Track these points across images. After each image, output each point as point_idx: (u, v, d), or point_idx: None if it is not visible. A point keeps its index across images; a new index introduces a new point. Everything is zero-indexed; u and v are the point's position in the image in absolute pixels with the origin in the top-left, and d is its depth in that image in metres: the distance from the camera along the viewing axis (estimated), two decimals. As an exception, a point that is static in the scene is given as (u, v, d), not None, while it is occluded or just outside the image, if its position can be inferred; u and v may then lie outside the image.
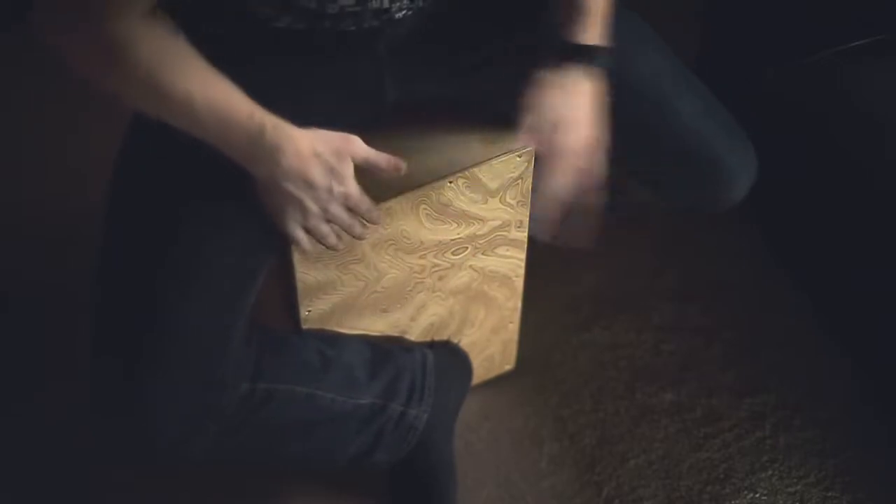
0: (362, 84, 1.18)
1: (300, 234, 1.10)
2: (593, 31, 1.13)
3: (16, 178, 1.84)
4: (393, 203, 1.22)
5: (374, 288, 1.31)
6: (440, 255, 1.32)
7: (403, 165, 1.12)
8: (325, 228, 1.10)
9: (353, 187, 1.09)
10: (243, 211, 1.11)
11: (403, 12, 1.08)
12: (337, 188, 1.07)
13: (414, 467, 1.39)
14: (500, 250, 1.37)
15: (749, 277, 1.74)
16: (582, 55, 1.13)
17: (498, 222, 1.33)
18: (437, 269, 1.34)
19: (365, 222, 1.14)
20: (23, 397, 1.55)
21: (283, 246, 1.20)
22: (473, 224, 1.31)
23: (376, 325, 1.37)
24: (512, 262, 1.40)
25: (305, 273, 1.24)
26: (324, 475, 1.46)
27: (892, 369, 1.56)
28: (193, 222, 1.11)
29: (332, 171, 1.07)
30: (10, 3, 1.88)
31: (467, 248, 1.34)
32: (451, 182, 1.24)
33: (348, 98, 1.17)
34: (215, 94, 1.00)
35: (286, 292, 1.29)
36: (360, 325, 1.36)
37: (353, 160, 1.08)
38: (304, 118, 1.05)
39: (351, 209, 1.11)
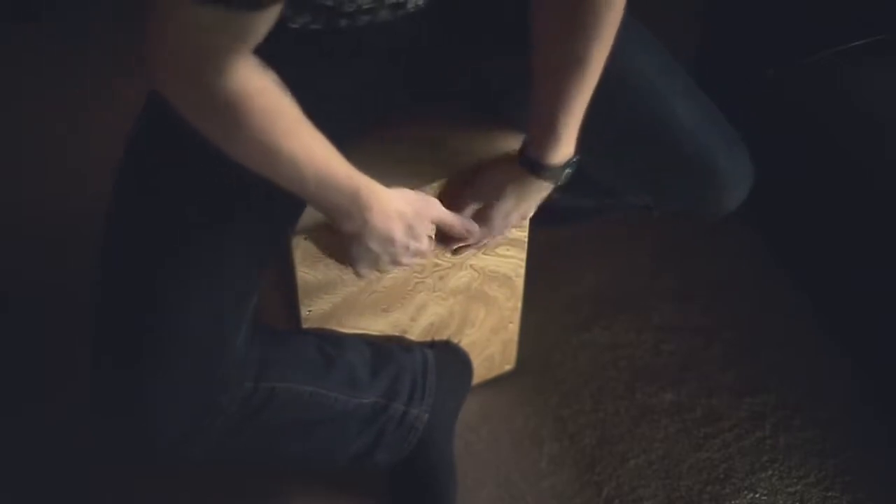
0: (370, 84, 1.18)
1: (366, 272, 1.20)
2: (563, 152, 1.17)
3: (16, 178, 1.84)
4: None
5: (374, 288, 1.31)
6: (440, 254, 1.32)
7: (476, 230, 1.23)
8: (389, 270, 1.20)
9: (427, 247, 1.18)
10: (245, 211, 1.11)
11: (415, 4, 1.08)
12: (413, 245, 1.16)
13: (414, 467, 1.39)
14: (501, 250, 1.37)
15: (749, 277, 1.74)
16: (551, 172, 1.18)
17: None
18: (437, 268, 1.34)
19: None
20: (23, 397, 1.55)
21: (284, 246, 1.21)
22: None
23: (377, 325, 1.37)
24: (512, 261, 1.40)
25: (306, 273, 1.24)
26: (324, 475, 1.46)
27: (892, 369, 1.56)
28: (195, 223, 1.11)
29: (412, 232, 1.14)
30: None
31: (468, 248, 1.34)
32: (450, 181, 1.24)
33: (356, 99, 1.18)
34: (318, 155, 1.02)
35: (287, 292, 1.29)
36: (360, 324, 1.36)
37: (433, 221, 1.17)
38: (312, 119, 1.05)
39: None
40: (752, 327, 1.67)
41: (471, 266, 1.37)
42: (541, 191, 1.22)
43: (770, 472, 1.50)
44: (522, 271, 1.43)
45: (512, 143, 1.26)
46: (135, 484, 1.45)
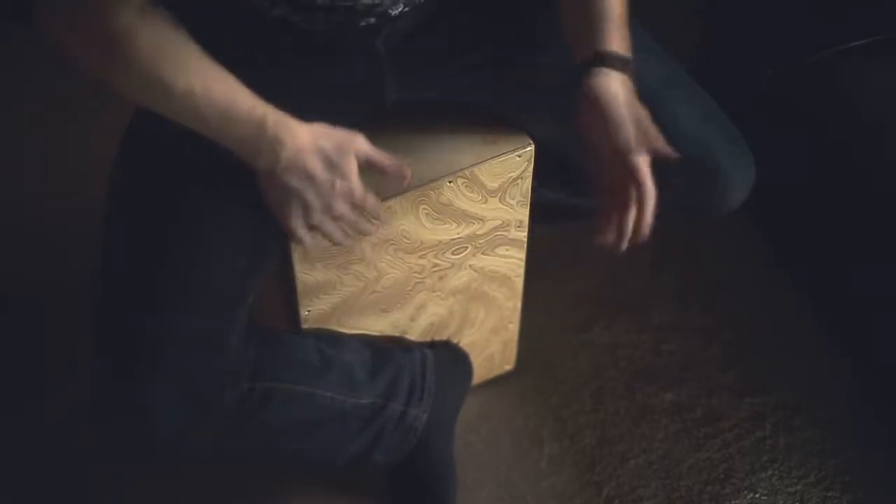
0: (362, 84, 1.18)
1: (302, 232, 1.10)
2: (622, 44, 1.10)
3: (16, 178, 1.84)
4: (393, 203, 1.22)
5: (373, 288, 1.31)
6: (440, 254, 1.32)
7: (409, 172, 1.13)
8: (329, 225, 1.10)
9: (356, 183, 1.08)
10: (244, 211, 1.11)
11: (400, 9, 1.08)
12: (340, 184, 1.07)
13: (414, 467, 1.39)
14: (500, 250, 1.37)
15: (749, 277, 1.74)
16: (607, 61, 1.10)
17: (498, 222, 1.33)
18: (437, 268, 1.34)
19: (370, 219, 1.13)
20: (23, 397, 1.55)
21: (283, 246, 1.20)
22: (473, 224, 1.31)
23: (376, 325, 1.37)
24: (512, 261, 1.40)
25: (305, 273, 1.24)
26: (324, 475, 1.46)
27: (892, 369, 1.56)
28: (194, 223, 1.11)
29: (334, 166, 1.06)
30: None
31: (467, 247, 1.34)
32: (450, 182, 1.24)
33: (348, 98, 1.17)
34: (216, 87, 1.00)
35: (286, 292, 1.29)
36: (360, 325, 1.36)
37: (357, 157, 1.08)
38: (304, 118, 1.05)
39: (355, 206, 1.10)
40: (752, 327, 1.67)
41: (470, 266, 1.37)
42: (627, 85, 1.10)
43: (770, 472, 1.50)
44: (522, 271, 1.43)
45: (503, 144, 1.26)
46: (135, 484, 1.45)
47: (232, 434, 1.19)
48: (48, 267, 1.70)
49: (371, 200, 1.11)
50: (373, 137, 1.11)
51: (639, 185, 1.10)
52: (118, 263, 1.13)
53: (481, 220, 1.31)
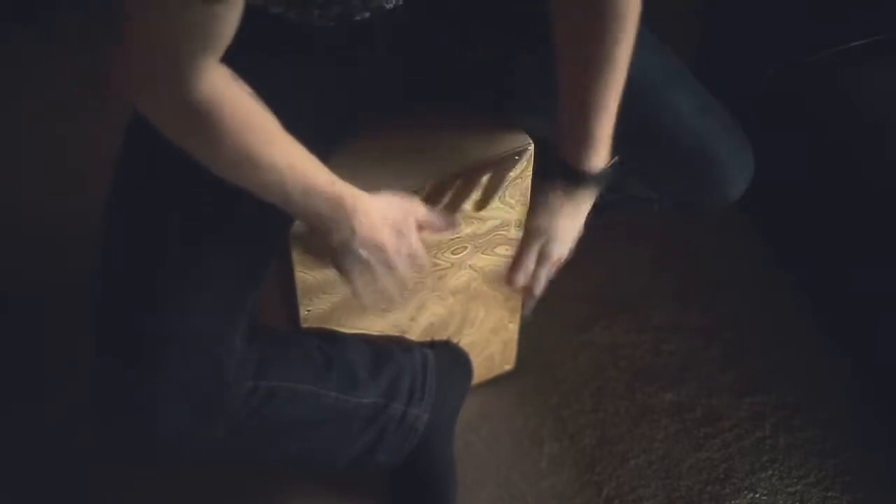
0: (361, 83, 1.18)
1: (366, 292, 1.15)
2: (602, 155, 1.15)
3: (16, 178, 1.84)
4: (393, 203, 1.22)
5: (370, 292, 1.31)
6: (440, 254, 1.32)
7: (460, 225, 1.22)
8: (385, 279, 1.14)
9: (419, 249, 1.14)
10: (244, 211, 1.11)
11: (394, 2, 1.08)
12: (404, 249, 1.13)
13: (414, 467, 1.39)
14: (500, 250, 1.37)
15: (749, 277, 1.74)
16: (596, 179, 1.16)
17: (497, 222, 1.33)
18: (436, 268, 1.34)
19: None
20: (23, 397, 1.55)
21: (284, 245, 1.20)
22: (473, 223, 1.31)
23: (376, 325, 1.37)
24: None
25: (305, 273, 1.24)
26: (324, 475, 1.46)
27: (892, 369, 1.56)
28: (195, 222, 1.11)
29: (401, 235, 1.12)
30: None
31: (467, 247, 1.34)
32: (451, 182, 1.24)
33: (348, 97, 1.17)
34: (298, 163, 1.02)
35: (286, 292, 1.29)
36: (359, 324, 1.36)
37: (417, 221, 1.14)
38: (303, 117, 1.05)
39: (413, 266, 1.15)
40: (752, 327, 1.67)
41: (470, 266, 1.37)
42: (588, 200, 1.20)
43: (770, 472, 1.50)
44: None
45: (503, 144, 1.26)
46: (135, 484, 1.45)
47: (233, 434, 1.18)
48: (48, 267, 1.70)
49: (425, 259, 1.16)
50: (373, 137, 1.11)
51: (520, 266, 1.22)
52: (118, 263, 1.13)
53: (481, 219, 1.31)
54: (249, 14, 1.04)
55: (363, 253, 1.10)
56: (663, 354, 1.63)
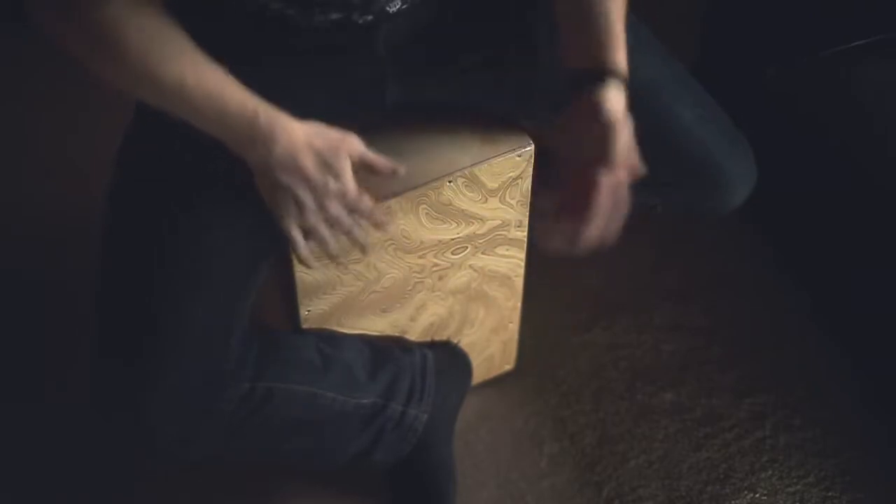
0: (363, 84, 1.18)
1: (297, 234, 1.09)
2: (622, 55, 1.08)
3: (16, 178, 1.84)
4: (393, 203, 1.22)
5: (373, 288, 1.31)
6: (440, 254, 1.32)
7: (402, 169, 1.11)
8: (324, 230, 1.09)
9: (350, 184, 1.07)
10: (243, 210, 1.11)
11: (398, 6, 1.08)
12: (333, 184, 1.06)
13: (414, 467, 1.39)
14: (500, 250, 1.37)
15: (749, 277, 1.74)
16: (617, 76, 1.08)
17: (498, 222, 1.33)
18: (436, 268, 1.34)
19: (366, 226, 1.12)
20: (23, 397, 1.55)
21: (283, 245, 1.20)
22: (473, 224, 1.31)
23: (376, 325, 1.37)
24: (512, 261, 1.40)
25: (305, 273, 1.24)
26: (324, 475, 1.46)
27: (892, 369, 1.56)
28: (194, 222, 1.11)
29: (328, 166, 1.05)
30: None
31: (467, 247, 1.34)
32: (450, 182, 1.24)
33: (349, 98, 1.17)
34: (208, 81, 1.00)
35: (286, 292, 1.29)
36: (359, 325, 1.36)
37: (351, 158, 1.07)
38: (304, 117, 1.05)
39: (350, 210, 1.09)
40: (752, 327, 1.67)
41: (470, 266, 1.37)
42: (615, 97, 1.07)
43: (770, 472, 1.50)
44: (522, 271, 1.43)
45: (503, 144, 1.26)
46: (134, 484, 1.45)
47: (232, 434, 1.19)
48: (48, 267, 1.70)
49: (366, 202, 1.09)
50: (373, 137, 1.10)
51: (597, 202, 1.08)
52: (117, 263, 1.13)
53: (481, 219, 1.31)
54: (251, 16, 1.05)
55: (283, 178, 1.04)
56: (663, 354, 1.63)
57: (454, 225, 1.30)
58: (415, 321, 1.40)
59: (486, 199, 1.28)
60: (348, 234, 1.10)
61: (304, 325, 1.31)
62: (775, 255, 1.76)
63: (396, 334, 1.40)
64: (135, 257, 1.12)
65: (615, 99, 1.07)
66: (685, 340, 1.65)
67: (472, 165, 1.24)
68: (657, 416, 1.56)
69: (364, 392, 1.28)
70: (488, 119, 1.28)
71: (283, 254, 1.23)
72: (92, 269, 1.14)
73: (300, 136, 1.03)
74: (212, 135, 1.03)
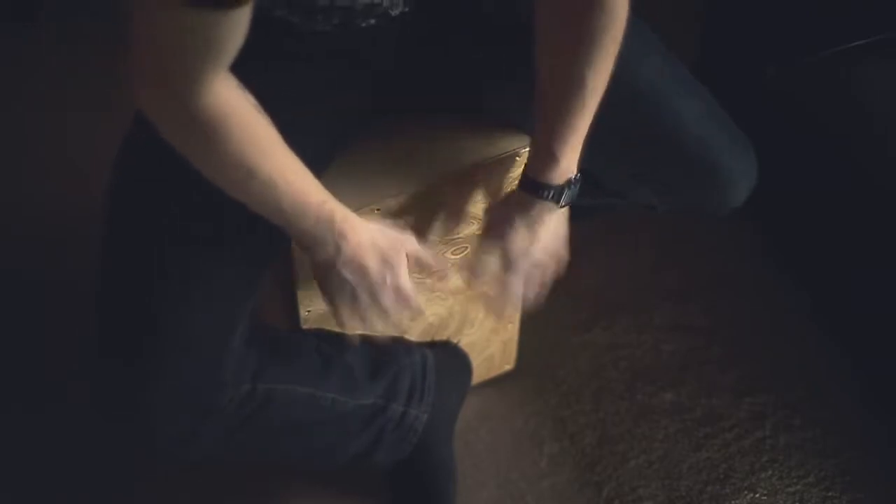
0: (363, 86, 1.18)
1: (348, 319, 1.13)
2: (560, 170, 1.14)
3: (16, 178, 1.84)
4: (393, 203, 1.22)
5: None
6: (440, 255, 1.32)
7: (447, 274, 1.22)
8: (373, 318, 1.14)
9: (405, 281, 1.12)
10: (244, 213, 1.11)
11: (400, 9, 1.08)
12: (390, 280, 1.11)
13: (414, 468, 1.39)
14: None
15: (749, 277, 1.74)
16: (552, 192, 1.15)
17: (498, 222, 1.32)
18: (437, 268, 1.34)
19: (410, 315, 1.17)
20: (23, 397, 1.55)
21: (283, 247, 1.20)
22: (473, 224, 1.31)
23: (376, 326, 1.37)
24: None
25: (305, 273, 1.24)
26: (324, 475, 1.46)
27: (892, 369, 1.56)
28: (194, 223, 1.11)
29: (387, 264, 1.10)
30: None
31: (467, 247, 1.34)
32: (450, 182, 1.24)
33: (351, 99, 1.17)
34: (294, 178, 1.01)
35: (286, 292, 1.29)
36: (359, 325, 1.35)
37: (407, 255, 1.13)
38: (306, 119, 1.05)
39: (399, 301, 1.13)
40: (752, 327, 1.67)
41: (470, 266, 1.37)
42: (547, 213, 1.17)
43: (770, 472, 1.50)
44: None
45: (503, 143, 1.26)
46: (135, 484, 1.45)
47: (232, 434, 1.19)
48: (48, 267, 1.70)
49: (414, 298, 1.14)
50: (374, 137, 1.10)
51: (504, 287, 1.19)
52: (118, 263, 1.13)
53: (481, 220, 1.31)
54: (252, 18, 1.05)
55: (346, 275, 1.09)
56: (663, 354, 1.63)
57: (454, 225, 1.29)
58: (415, 321, 1.40)
59: (487, 199, 1.28)
60: (393, 321, 1.15)
61: (304, 326, 1.31)
62: (775, 255, 1.76)
63: (396, 335, 1.40)
64: (135, 257, 1.12)
65: (530, 207, 1.16)
66: (685, 340, 1.65)
67: (472, 166, 1.24)
68: (657, 416, 1.56)
69: (364, 392, 1.28)
70: (488, 119, 1.28)
71: (283, 256, 1.23)
72: (92, 269, 1.14)
73: (367, 237, 1.08)
74: (284, 229, 1.06)
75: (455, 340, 1.46)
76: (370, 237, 1.09)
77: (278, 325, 1.35)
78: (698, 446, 1.52)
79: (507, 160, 1.26)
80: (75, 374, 1.21)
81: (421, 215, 1.26)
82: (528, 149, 1.26)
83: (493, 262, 1.19)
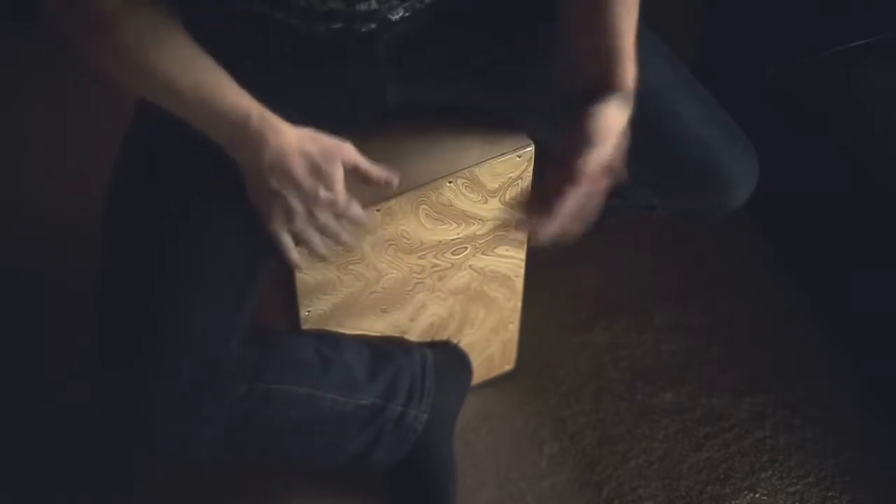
0: (363, 87, 1.18)
1: (285, 238, 1.08)
2: (631, 71, 1.10)
3: (16, 178, 1.84)
4: (393, 203, 1.22)
5: (373, 288, 1.31)
6: (440, 255, 1.32)
7: (396, 180, 1.10)
8: (311, 235, 1.08)
9: (341, 192, 1.06)
10: (243, 213, 1.11)
11: (400, 14, 1.08)
12: (323, 193, 1.05)
13: (414, 468, 1.39)
14: (500, 250, 1.37)
15: (749, 277, 1.74)
16: (624, 96, 1.10)
17: (498, 222, 1.33)
18: (436, 269, 1.34)
19: (354, 229, 1.12)
20: (23, 397, 1.55)
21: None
22: (473, 224, 1.31)
23: (376, 326, 1.37)
24: (512, 262, 1.40)
25: (305, 273, 1.24)
26: (324, 475, 1.46)
27: (892, 369, 1.56)
28: (194, 223, 1.11)
29: (319, 172, 1.04)
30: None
31: (467, 248, 1.34)
32: (450, 182, 1.24)
33: (350, 102, 1.17)
34: (201, 78, 0.99)
35: (286, 292, 1.29)
36: (359, 325, 1.36)
37: (344, 165, 1.06)
38: (305, 122, 1.05)
39: (339, 216, 1.08)
40: (752, 327, 1.67)
41: (470, 266, 1.37)
42: (618, 115, 1.09)
43: (770, 472, 1.50)
44: (522, 271, 1.43)
45: (503, 144, 1.26)
46: (134, 484, 1.45)
47: (231, 435, 1.19)
48: (48, 267, 1.70)
49: (355, 210, 1.09)
50: (373, 138, 1.10)
51: (555, 208, 1.11)
52: (118, 263, 1.13)
53: (481, 220, 1.31)
54: (254, 20, 1.05)
55: (273, 182, 1.02)
56: (663, 354, 1.63)
57: (454, 225, 1.30)
58: (415, 321, 1.40)
59: (487, 199, 1.28)
60: (336, 238, 1.10)
61: (304, 326, 1.31)
62: (775, 255, 1.76)
63: (396, 334, 1.40)
64: (135, 257, 1.12)
65: (610, 115, 1.08)
66: (685, 340, 1.65)
67: (472, 166, 1.24)
68: (657, 416, 1.56)
69: (364, 393, 1.28)
70: (488, 119, 1.28)
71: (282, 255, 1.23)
72: (92, 269, 1.14)
73: (292, 140, 1.02)
74: (204, 133, 1.02)
75: (455, 340, 1.46)
76: (297, 142, 1.02)
77: (278, 325, 1.35)
78: (698, 446, 1.52)
79: (507, 160, 1.26)
80: (75, 374, 1.21)
81: (420, 215, 1.26)
82: (529, 148, 1.26)
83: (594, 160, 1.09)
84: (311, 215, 1.06)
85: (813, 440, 1.53)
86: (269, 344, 1.23)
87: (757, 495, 1.47)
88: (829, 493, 1.47)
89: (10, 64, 2.02)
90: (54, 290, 1.66)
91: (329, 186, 1.05)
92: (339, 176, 1.05)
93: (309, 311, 1.30)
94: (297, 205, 1.05)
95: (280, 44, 1.09)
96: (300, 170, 1.03)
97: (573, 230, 1.13)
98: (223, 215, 1.11)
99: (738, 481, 1.48)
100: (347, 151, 1.06)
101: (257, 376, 1.19)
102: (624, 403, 1.57)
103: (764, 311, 1.69)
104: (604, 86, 1.09)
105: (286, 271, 1.25)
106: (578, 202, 1.11)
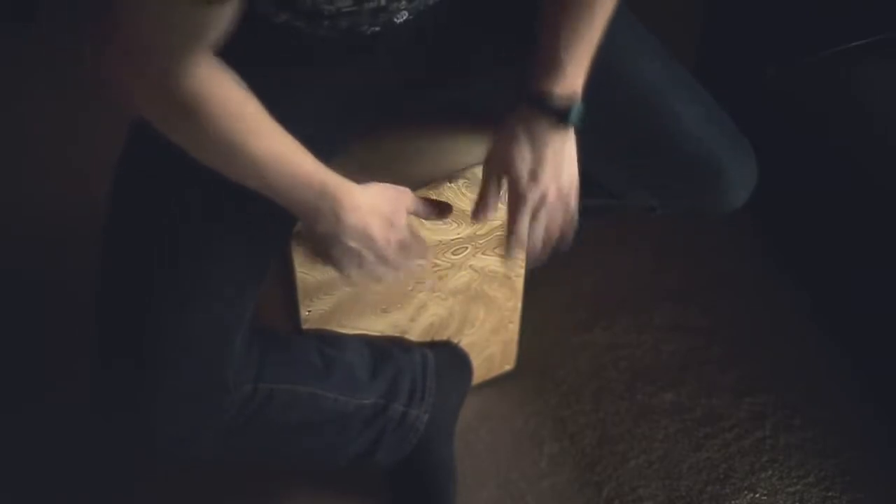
0: (364, 89, 1.18)
1: (357, 276, 1.13)
2: (568, 83, 1.09)
3: (16, 178, 1.84)
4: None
5: (374, 288, 1.31)
6: (440, 255, 1.32)
7: (450, 213, 1.18)
8: (381, 271, 1.13)
9: (408, 235, 1.12)
10: (245, 213, 1.11)
11: (405, 17, 1.08)
12: (393, 238, 1.10)
13: (414, 467, 1.39)
14: (500, 250, 1.37)
15: (749, 277, 1.74)
16: (556, 105, 1.09)
17: (498, 222, 1.32)
18: (437, 269, 1.34)
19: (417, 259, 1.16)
20: (23, 397, 1.55)
21: (284, 247, 1.20)
22: (473, 224, 1.31)
23: (376, 326, 1.37)
24: (512, 262, 1.40)
25: (305, 273, 1.24)
26: (324, 475, 1.46)
27: (892, 369, 1.56)
28: (195, 224, 1.11)
29: (390, 225, 1.09)
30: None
31: (467, 247, 1.34)
32: (450, 182, 1.24)
33: (351, 102, 1.17)
34: (282, 154, 1.01)
35: (286, 292, 1.29)
36: (360, 325, 1.36)
37: (406, 211, 1.12)
38: (305, 123, 1.05)
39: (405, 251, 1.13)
40: (752, 327, 1.67)
41: (470, 266, 1.37)
42: (552, 131, 1.09)
43: (770, 472, 1.50)
44: (522, 271, 1.43)
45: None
46: (135, 484, 1.45)
47: (233, 435, 1.19)
48: (48, 267, 1.70)
49: (421, 246, 1.14)
50: (374, 138, 1.10)
51: (513, 220, 1.13)
52: (118, 264, 1.13)
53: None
54: (254, 21, 1.05)
55: (351, 244, 1.08)
56: (663, 354, 1.63)
57: (454, 225, 1.29)
58: (415, 321, 1.40)
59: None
60: (402, 269, 1.14)
61: (305, 326, 1.31)
62: (775, 255, 1.76)
63: (396, 334, 1.40)
64: (135, 258, 1.12)
65: (534, 123, 1.09)
66: (685, 340, 1.65)
67: (472, 166, 1.24)
68: (657, 416, 1.56)
69: (365, 392, 1.28)
70: (488, 119, 1.28)
71: (283, 256, 1.23)
72: (92, 269, 1.14)
73: (366, 203, 1.07)
74: (280, 204, 1.05)
75: (455, 340, 1.46)
76: (369, 201, 1.07)
77: (278, 325, 1.35)
78: (698, 446, 1.52)
79: (508, 160, 1.26)
80: (75, 374, 1.20)
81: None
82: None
83: (497, 191, 1.14)
84: (382, 259, 1.11)
85: (813, 440, 1.53)
86: (272, 344, 1.23)
87: (757, 495, 1.47)
88: (829, 493, 1.47)
89: (10, 64, 2.02)
90: (54, 290, 1.66)
91: (398, 232, 1.10)
92: (404, 221, 1.12)
93: (309, 311, 1.30)
94: (369, 255, 1.10)
95: (283, 45, 1.09)
96: (377, 230, 1.08)
97: (543, 249, 1.16)
98: (224, 216, 1.11)
99: (738, 481, 1.48)
100: (409, 199, 1.13)
101: (259, 376, 1.19)
102: (624, 403, 1.57)
103: (764, 311, 1.69)
104: (533, 96, 1.10)
105: (287, 271, 1.25)
106: (539, 223, 1.13)
